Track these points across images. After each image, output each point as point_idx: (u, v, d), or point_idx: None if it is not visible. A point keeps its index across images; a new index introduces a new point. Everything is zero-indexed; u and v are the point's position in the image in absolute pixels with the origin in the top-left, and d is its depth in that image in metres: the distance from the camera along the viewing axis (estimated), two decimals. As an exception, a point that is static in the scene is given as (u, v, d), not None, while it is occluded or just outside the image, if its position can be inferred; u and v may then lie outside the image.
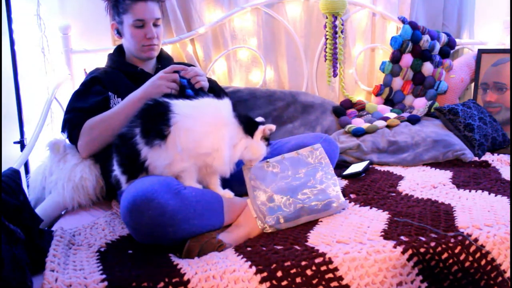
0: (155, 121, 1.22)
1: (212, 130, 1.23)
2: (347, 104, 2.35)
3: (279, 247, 1.13)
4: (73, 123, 1.56)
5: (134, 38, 1.65)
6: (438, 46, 2.42)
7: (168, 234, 1.13)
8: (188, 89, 1.57)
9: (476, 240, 1.15)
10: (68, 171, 1.57)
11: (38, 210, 1.46)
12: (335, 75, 2.36)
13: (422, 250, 1.12)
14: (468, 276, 1.13)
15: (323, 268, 1.06)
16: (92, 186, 1.57)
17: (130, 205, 1.11)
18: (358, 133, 2.08)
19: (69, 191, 1.53)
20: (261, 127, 1.28)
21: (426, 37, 2.38)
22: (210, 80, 1.90)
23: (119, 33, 1.71)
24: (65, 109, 1.63)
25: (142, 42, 1.66)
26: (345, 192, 1.53)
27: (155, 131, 1.21)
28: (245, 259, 1.07)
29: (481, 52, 2.41)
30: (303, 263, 1.05)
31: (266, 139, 1.31)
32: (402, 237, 1.16)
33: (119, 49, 1.77)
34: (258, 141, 1.29)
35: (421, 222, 1.23)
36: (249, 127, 1.28)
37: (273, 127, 1.30)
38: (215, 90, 1.81)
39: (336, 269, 1.06)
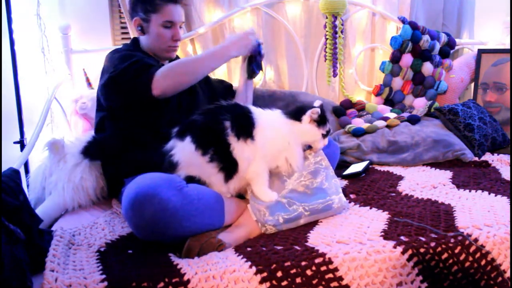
0: (244, 121, 1.31)
1: (280, 137, 1.33)
2: (347, 104, 2.35)
3: (279, 247, 1.13)
4: (143, 67, 1.46)
5: (161, 38, 1.62)
6: (438, 46, 2.42)
7: (169, 231, 1.13)
8: (258, 57, 1.67)
9: (476, 240, 1.15)
10: (68, 171, 1.56)
11: (38, 211, 1.46)
12: (335, 75, 2.36)
13: (422, 250, 1.12)
14: (468, 276, 1.13)
15: (323, 268, 1.06)
16: (92, 186, 1.57)
17: (132, 201, 1.12)
18: (358, 133, 2.08)
19: (69, 192, 1.53)
20: (308, 112, 1.34)
21: (426, 37, 2.38)
22: (219, 80, 1.94)
23: (142, 30, 1.65)
24: (104, 72, 1.55)
25: (169, 43, 1.64)
26: (345, 192, 1.52)
27: (244, 128, 1.30)
28: (245, 259, 1.07)
29: (481, 52, 2.40)
30: (303, 263, 1.05)
31: (318, 122, 1.35)
32: (402, 237, 1.16)
33: (135, 43, 1.70)
34: (307, 124, 1.35)
35: (421, 222, 1.23)
36: (296, 114, 1.36)
37: (316, 109, 1.34)
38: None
39: (336, 269, 1.06)
